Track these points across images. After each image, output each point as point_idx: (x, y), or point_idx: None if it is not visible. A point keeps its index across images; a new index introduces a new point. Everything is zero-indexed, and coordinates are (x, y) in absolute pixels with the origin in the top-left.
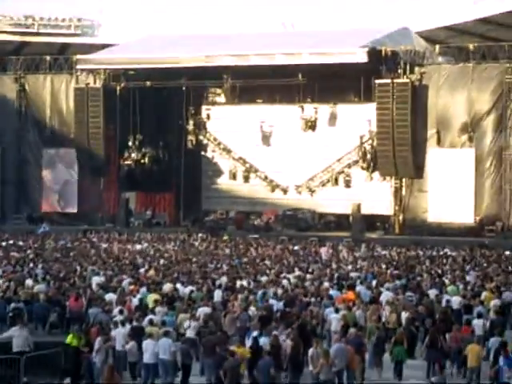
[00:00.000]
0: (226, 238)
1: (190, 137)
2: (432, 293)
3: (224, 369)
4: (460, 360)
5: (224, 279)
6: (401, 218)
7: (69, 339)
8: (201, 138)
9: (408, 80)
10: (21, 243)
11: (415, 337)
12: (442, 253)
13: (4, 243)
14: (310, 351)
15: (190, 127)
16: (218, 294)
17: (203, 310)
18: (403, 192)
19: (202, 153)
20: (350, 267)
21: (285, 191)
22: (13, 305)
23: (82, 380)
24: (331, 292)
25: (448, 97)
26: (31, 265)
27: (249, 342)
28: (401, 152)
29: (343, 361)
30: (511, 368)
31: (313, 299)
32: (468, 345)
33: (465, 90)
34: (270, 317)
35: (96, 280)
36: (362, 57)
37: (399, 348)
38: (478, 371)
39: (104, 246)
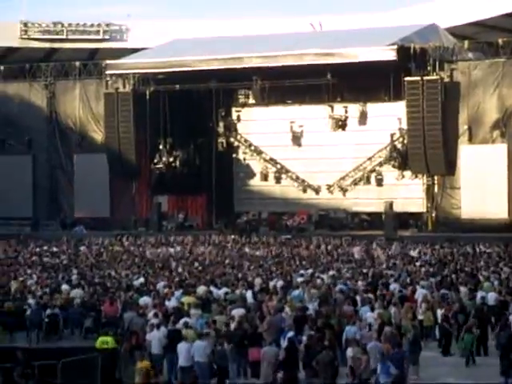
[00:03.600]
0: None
1: (221, 139)
2: (464, 290)
3: (317, 360)
4: None
5: (258, 280)
6: (433, 215)
7: (107, 342)
8: (231, 139)
9: (438, 77)
10: (55, 249)
11: (450, 334)
12: (476, 249)
13: (38, 249)
14: (349, 351)
15: (221, 129)
16: (251, 296)
17: (237, 312)
18: (435, 189)
19: (233, 155)
20: (383, 266)
21: (317, 191)
22: (48, 311)
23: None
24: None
25: (478, 93)
26: (66, 270)
27: (284, 343)
28: (432, 149)
29: (378, 359)
30: (388, 375)
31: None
32: None
33: (495, 86)
34: (305, 317)
35: (136, 284)
36: (390, 54)
37: (468, 336)
38: None
39: (137, 250)
